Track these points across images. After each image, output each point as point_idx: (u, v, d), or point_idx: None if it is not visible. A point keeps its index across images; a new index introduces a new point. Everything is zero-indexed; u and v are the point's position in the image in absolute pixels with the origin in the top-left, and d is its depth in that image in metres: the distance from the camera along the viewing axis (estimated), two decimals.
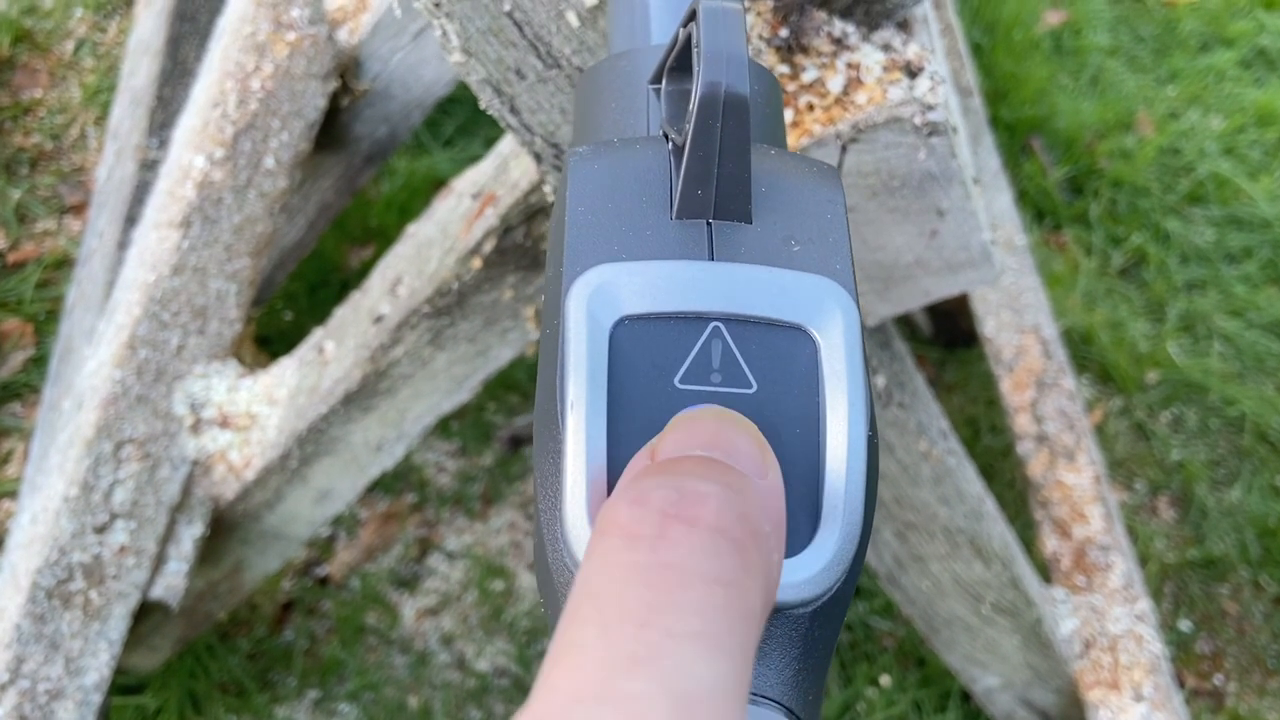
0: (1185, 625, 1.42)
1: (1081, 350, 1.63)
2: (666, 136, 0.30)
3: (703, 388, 0.26)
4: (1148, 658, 1.11)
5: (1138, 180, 1.82)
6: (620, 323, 0.26)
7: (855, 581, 0.26)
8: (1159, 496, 1.53)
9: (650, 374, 0.25)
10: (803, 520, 0.25)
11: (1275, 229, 1.79)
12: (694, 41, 0.27)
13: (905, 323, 1.63)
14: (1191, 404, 1.61)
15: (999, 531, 0.92)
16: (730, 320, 0.26)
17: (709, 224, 0.27)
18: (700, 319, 0.26)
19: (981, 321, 1.36)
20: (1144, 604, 1.15)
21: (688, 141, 0.27)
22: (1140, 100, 1.95)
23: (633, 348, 0.26)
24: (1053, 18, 2.05)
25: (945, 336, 1.57)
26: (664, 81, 0.32)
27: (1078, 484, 1.23)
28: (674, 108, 0.31)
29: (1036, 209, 1.78)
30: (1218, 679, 1.39)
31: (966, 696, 1.26)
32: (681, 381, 0.26)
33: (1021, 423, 1.28)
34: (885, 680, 1.28)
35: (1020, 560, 0.97)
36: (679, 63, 0.31)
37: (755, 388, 0.26)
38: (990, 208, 1.41)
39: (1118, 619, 1.13)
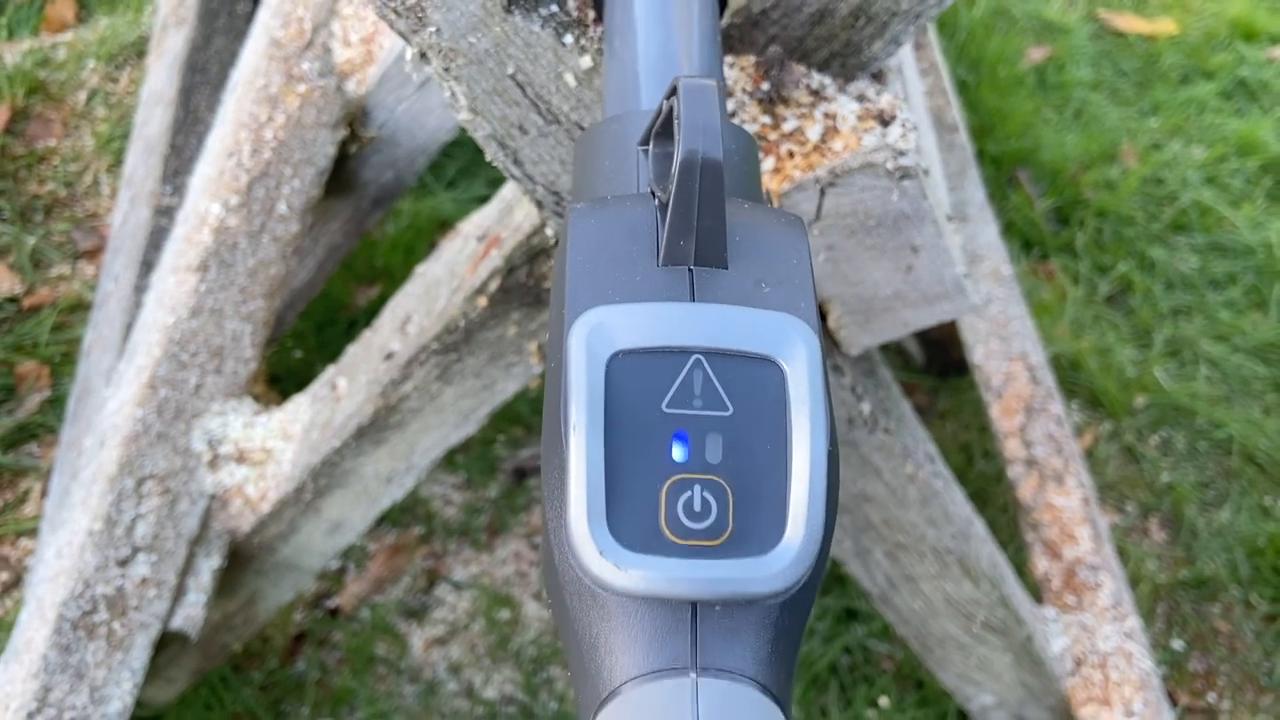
0: (1178, 644, 1.45)
1: (1070, 376, 1.67)
2: (653, 194, 0.34)
3: (686, 411, 0.30)
4: (1137, 674, 1.14)
5: (1122, 210, 1.87)
6: (615, 356, 0.30)
7: (820, 577, 0.30)
8: (1150, 518, 1.56)
9: (641, 400, 0.30)
10: (773, 524, 0.29)
11: (1258, 255, 1.84)
12: (675, 113, 0.32)
13: (898, 352, 1.67)
14: (1180, 427, 1.65)
15: (987, 552, 0.96)
16: (709, 353, 0.30)
17: (690, 270, 0.32)
18: (684, 352, 0.30)
19: (971, 350, 1.40)
20: (1133, 622, 1.18)
21: (671, 200, 0.31)
22: (1123, 132, 2.00)
23: (626, 378, 0.30)
24: (1036, 54, 2.10)
25: (937, 365, 1.61)
26: (651, 144, 0.36)
27: (1067, 506, 1.26)
28: (659, 168, 0.35)
29: (1024, 239, 1.83)
30: (1211, 697, 1.41)
31: (964, 717, 1.28)
32: (668, 406, 0.30)
33: (1011, 447, 1.31)
34: (884, 701, 1.31)
35: (1009, 580, 1.01)
36: (663, 129, 0.35)
37: (731, 410, 0.30)
38: (977, 239, 1.46)
39: (1107, 636, 1.16)
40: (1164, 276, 1.81)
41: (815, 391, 0.30)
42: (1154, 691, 1.14)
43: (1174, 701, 1.39)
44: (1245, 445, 1.62)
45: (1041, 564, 1.24)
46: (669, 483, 0.29)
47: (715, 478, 0.29)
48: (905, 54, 0.89)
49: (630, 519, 0.28)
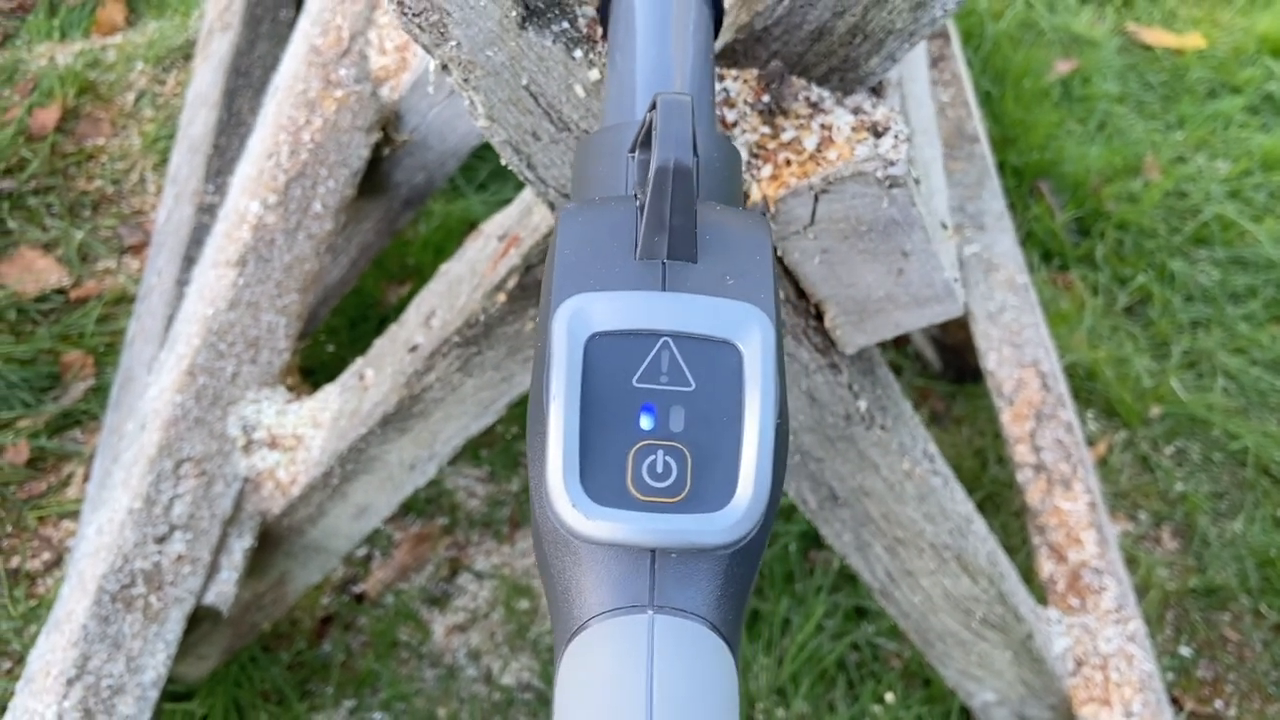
0: (1186, 651, 1.46)
1: (1086, 386, 1.69)
2: (636, 196, 0.38)
3: (654, 386, 0.34)
4: (1138, 676, 1.16)
5: (1144, 222, 1.89)
6: (593, 337, 0.34)
7: (767, 533, 0.34)
8: (1162, 527, 1.58)
9: (614, 376, 0.34)
10: (725, 485, 0.33)
11: (1279, 269, 1.85)
12: (653, 125, 0.36)
13: (916, 358, 1.70)
14: (1195, 438, 1.67)
15: (987, 549, 0.99)
16: (676, 336, 0.34)
17: (663, 263, 0.36)
18: (654, 335, 0.34)
19: (984, 356, 1.42)
20: (1135, 625, 1.21)
21: (647, 201, 0.35)
22: (1147, 145, 2.02)
23: (601, 356, 0.34)
24: (1063, 67, 2.13)
25: (953, 371, 1.64)
26: (636, 152, 0.40)
27: (1073, 510, 1.29)
28: (641, 173, 0.39)
29: (1044, 250, 1.85)
30: (1218, 704, 1.43)
31: (967, 715, 1.31)
32: (638, 381, 0.34)
33: (1020, 452, 1.34)
34: (890, 698, 1.34)
35: (1009, 578, 1.04)
36: (646, 139, 0.39)
37: (694, 386, 0.34)
38: (993, 248, 1.49)
39: (1109, 639, 1.18)
40: (1184, 289, 1.82)
41: (767, 372, 0.34)
42: (1154, 693, 1.16)
43: (1180, 706, 1.41)
44: (1260, 457, 1.63)
45: (1047, 567, 1.26)
46: (636, 447, 0.33)
47: (677, 444, 0.33)
48: (919, 68, 0.92)
49: (600, 477, 0.33)
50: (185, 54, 1.95)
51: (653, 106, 0.37)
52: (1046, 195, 1.89)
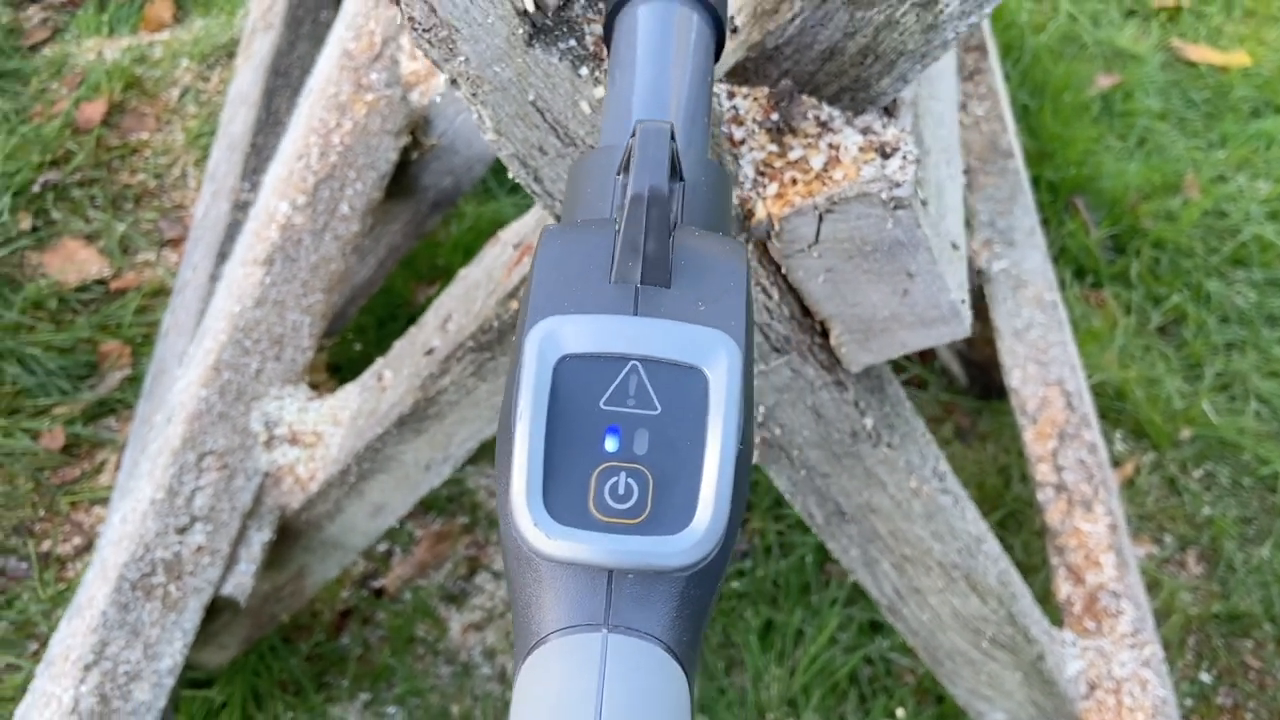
0: (1206, 677, 1.45)
1: (1116, 405, 1.67)
2: (616, 220, 0.39)
3: (620, 408, 0.35)
4: (1151, 701, 1.15)
5: (1181, 241, 1.87)
6: (563, 359, 0.35)
7: (726, 556, 0.35)
8: (1187, 551, 1.56)
9: (582, 397, 0.35)
10: (685, 508, 0.34)
11: None
12: (632, 151, 0.37)
13: (942, 373, 1.69)
14: (1224, 462, 1.65)
15: (997, 570, 0.99)
16: (645, 360, 0.35)
17: (637, 288, 0.37)
18: (622, 359, 0.35)
19: (1009, 373, 1.41)
20: (1151, 650, 1.19)
21: (622, 225, 0.36)
22: (1188, 163, 1.99)
23: (570, 378, 0.35)
24: (1104, 81, 2.10)
25: (979, 387, 1.63)
26: (621, 176, 0.41)
27: (1093, 532, 1.28)
28: (621, 198, 0.40)
29: (1078, 266, 1.84)
30: None
31: None
32: (605, 404, 0.35)
33: (1042, 471, 1.33)
34: (901, 713, 1.33)
35: (1021, 598, 1.03)
36: (627, 165, 0.40)
37: (659, 410, 0.35)
38: (1022, 264, 1.48)
39: (1124, 663, 1.17)
40: (1219, 310, 1.80)
41: (731, 398, 0.35)
42: (1166, 719, 1.15)
43: None
44: None
45: (1064, 588, 1.25)
46: (599, 469, 0.34)
47: (640, 466, 0.34)
48: (943, 85, 0.92)
49: (562, 497, 0.34)
50: (229, 52, 1.98)
51: (634, 133, 0.38)
52: (1082, 211, 1.88)
